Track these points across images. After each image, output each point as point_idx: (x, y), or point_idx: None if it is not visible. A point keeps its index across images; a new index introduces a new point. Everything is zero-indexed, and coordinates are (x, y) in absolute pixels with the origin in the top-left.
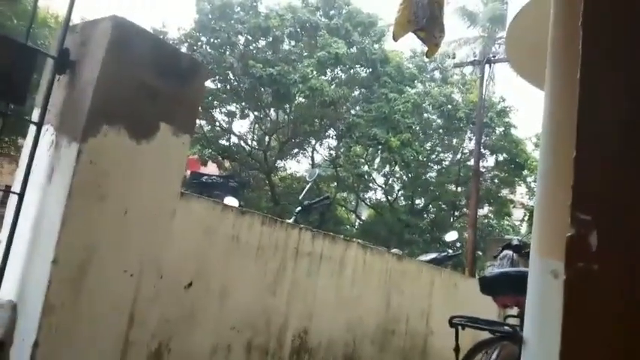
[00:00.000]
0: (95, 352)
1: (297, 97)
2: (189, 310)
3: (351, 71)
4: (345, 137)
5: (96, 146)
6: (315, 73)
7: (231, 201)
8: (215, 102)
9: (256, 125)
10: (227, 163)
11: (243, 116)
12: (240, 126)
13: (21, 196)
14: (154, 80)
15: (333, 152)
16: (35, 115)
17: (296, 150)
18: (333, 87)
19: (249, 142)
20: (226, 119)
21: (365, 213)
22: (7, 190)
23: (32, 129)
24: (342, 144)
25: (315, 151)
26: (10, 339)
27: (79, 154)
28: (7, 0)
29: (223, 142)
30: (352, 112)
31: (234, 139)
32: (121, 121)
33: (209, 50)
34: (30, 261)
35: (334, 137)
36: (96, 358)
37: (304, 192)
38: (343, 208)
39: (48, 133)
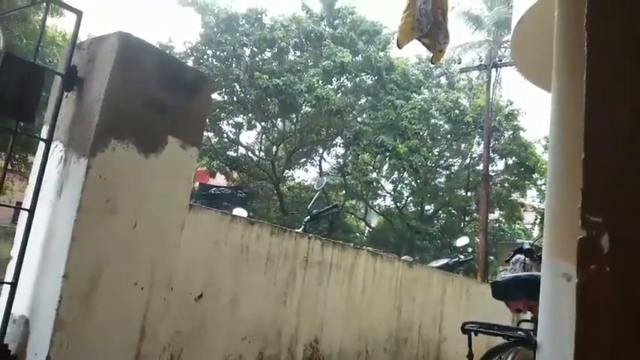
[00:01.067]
0: None
1: (303, 107)
2: (199, 321)
3: (357, 79)
4: (353, 145)
5: (105, 161)
6: (320, 82)
7: (239, 212)
8: (222, 114)
9: (263, 136)
10: (235, 174)
11: (251, 127)
12: (248, 137)
13: (31, 212)
14: (161, 94)
15: (340, 160)
16: (44, 132)
17: (304, 159)
18: (339, 96)
19: (257, 152)
20: (234, 130)
21: (374, 220)
22: (18, 206)
23: (41, 145)
24: (349, 152)
25: (322, 160)
26: (22, 353)
27: (88, 170)
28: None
29: (231, 153)
30: (359, 119)
31: (241, 150)
32: (129, 135)
33: (215, 63)
34: (41, 276)
35: (341, 145)
36: None
37: (313, 201)
38: (352, 216)
39: (57, 150)
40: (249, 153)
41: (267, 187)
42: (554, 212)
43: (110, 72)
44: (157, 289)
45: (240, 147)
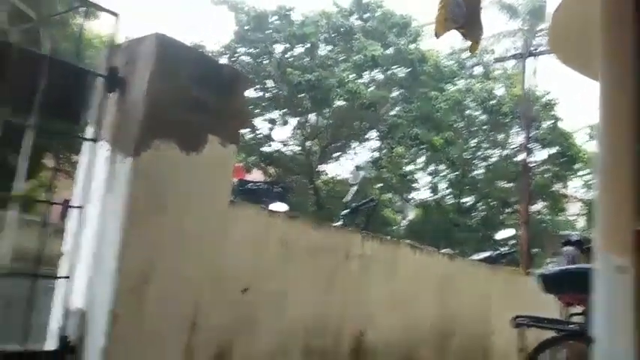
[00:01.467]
0: (160, 357)
1: (335, 101)
2: (246, 315)
3: (389, 72)
4: (387, 138)
5: (149, 160)
6: (352, 76)
7: (279, 206)
8: (256, 110)
9: (297, 131)
10: (271, 170)
11: (284, 123)
12: (282, 132)
13: (82, 209)
14: (200, 93)
15: (375, 154)
16: (90, 133)
17: (337, 153)
18: (371, 89)
19: (291, 147)
20: (268, 126)
21: (411, 213)
22: (68, 204)
23: (88, 146)
24: (383, 145)
25: (356, 154)
26: (81, 344)
27: (133, 169)
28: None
29: (266, 148)
30: (392, 112)
31: (276, 146)
32: (171, 134)
33: (248, 60)
34: (95, 271)
35: (375, 139)
36: None
37: (350, 195)
38: (388, 209)
39: (103, 149)
40: (284, 148)
41: (302, 181)
42: (605, 205)
43: (150, 73)
44: (204, 283)
45: (274, 142)
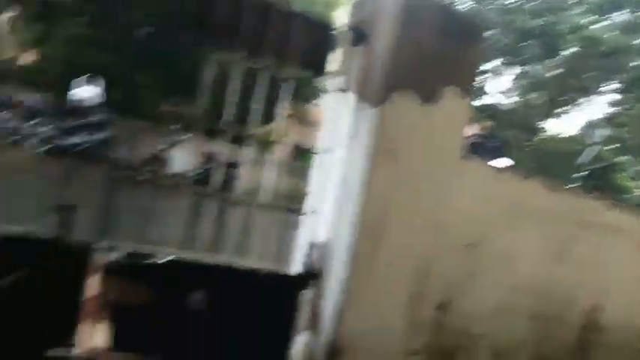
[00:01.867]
0: (390, 295)
1: (567, 49)
2: (471, 269)
3: (636, 15)
4: (629, 92)
5: (390, 110)
6: (588, 20)
7: (504, 162)
8: None
9: (518, 82)
10: (486, 123)
11: (504, 73)
12: (501, 83)
13: (328, 153)
14: (440, 45)
15: (612, 109)
16: (337, 84)
17: (565, 107)
18: (612, 34)
19: (510, 99)
20: (485, 77)
21: None
22: (311, 150)
23: (334, 95)
24: (624, 100)
25: (589, 109)
26: (324, 272)
27: (375, 118)
28: None
29: (481, 100)
30: (638, 62)
31: (493, 98)
32: (412, 86)
33: (471, 6)
34: (338, 210)
35: (614, 92)
36: (390, 302)
37: (584, 155)
38: (623, 174)
39: (349, 99)
40: (502, 100)
41: (519, 136)
42: None
43: (392, 27)
44: (432, 234)
45: (492, 94)
